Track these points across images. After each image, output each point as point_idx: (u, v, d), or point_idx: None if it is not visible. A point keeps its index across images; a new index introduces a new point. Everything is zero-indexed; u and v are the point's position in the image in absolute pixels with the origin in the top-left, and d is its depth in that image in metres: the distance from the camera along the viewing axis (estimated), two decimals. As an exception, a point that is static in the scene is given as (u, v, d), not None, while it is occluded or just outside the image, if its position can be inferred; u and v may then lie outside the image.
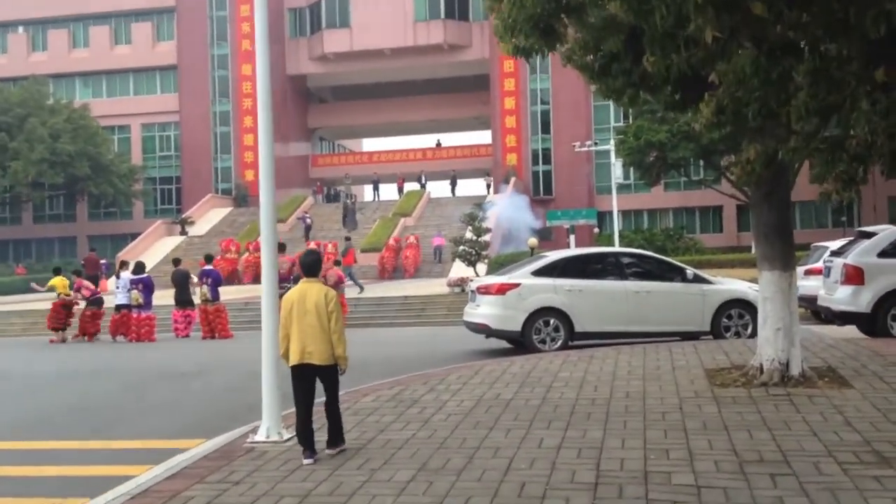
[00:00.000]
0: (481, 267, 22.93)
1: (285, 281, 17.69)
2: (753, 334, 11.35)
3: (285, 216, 42.40)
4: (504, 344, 12.41)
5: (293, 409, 7.39)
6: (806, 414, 6.44)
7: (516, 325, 11.07)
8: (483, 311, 11.33)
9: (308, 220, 39.98)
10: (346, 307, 19.27)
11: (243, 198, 48.24)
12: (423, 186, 47.15)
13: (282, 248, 19.01)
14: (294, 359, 5.74)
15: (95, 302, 17.98)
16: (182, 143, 49.97)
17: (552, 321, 11.10)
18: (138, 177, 47.32)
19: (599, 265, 11.71)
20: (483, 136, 54.99)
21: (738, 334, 11.44)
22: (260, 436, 6.36)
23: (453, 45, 49.68)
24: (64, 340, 17.45)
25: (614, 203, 27.31)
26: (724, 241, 44.20)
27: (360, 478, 5.23)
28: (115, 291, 17.90)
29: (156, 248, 40.16)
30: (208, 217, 44.67)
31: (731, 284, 11.91)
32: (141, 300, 16.93)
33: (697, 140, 37.10)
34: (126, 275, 17.55)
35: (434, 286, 24.04)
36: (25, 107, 41.22)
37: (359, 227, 40.22)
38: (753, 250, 29.64)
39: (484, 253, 22.92)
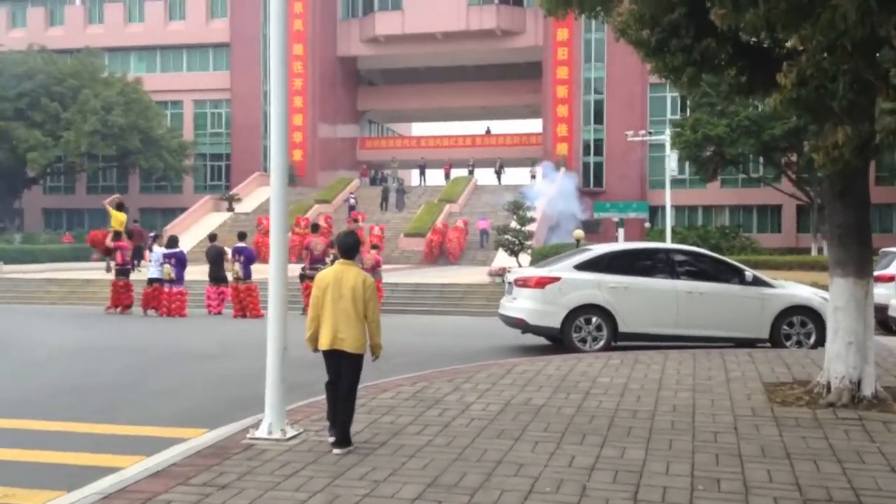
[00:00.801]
0: (524, 257, 22.12)
1: (319, 262, 17.25)
2: (816, 345, 10.42)
3: (330, 197, 42.17)
4: (541, 341, 11.64)
5: (299, 404, 6.81)
6: (882, 443, 5.58)
7: (555, 322, 10.29)
8: (520, 304, 10.57)
9: (352, 201, 39.72)
10: (382, 292, 18.71)
11: (290, 177, 47.98)
12: (471, 173, 46.36)
13: (315, 228, 18.58)
14: (325, 343, 5.46)
15: (123, 272, 17.72)
16: (232, 121, 50.01)
17: (594, 319, 10.30)
18: (189, 152, 47.48)
19: (649, 262, 10.84)
20: (534, 125, 53.96)
21: (799, 344, 10.49)
22: (261, 432, 5.74)
23: (506, 31, 48.67)
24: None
25: (667, 197, 26.20)
26: (781, 241, 42.54)
27: (361, 490, 4.56)
28: (148, 265, 17.66)
29: (203, 223, 40.21)
30: (256, 195, 44.60)
31: (793, 289, 10.94)
32: (173, 275, 16.64)
33: (758, 136, 35.65)
34: (159, 249, 17.25)
35: (475, 274, 23.32)
36: (79, 78, 41.51)
37: (404, 212, 39.77)
38: (814, 252, 28.22)
39: (528, 243, 22.08)
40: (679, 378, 7.90)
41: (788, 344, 10.46)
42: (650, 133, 30.78)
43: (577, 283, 10.37)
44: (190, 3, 51.05)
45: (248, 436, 5.73)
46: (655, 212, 42.88)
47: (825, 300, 10.42)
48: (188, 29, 50.87)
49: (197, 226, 39.25)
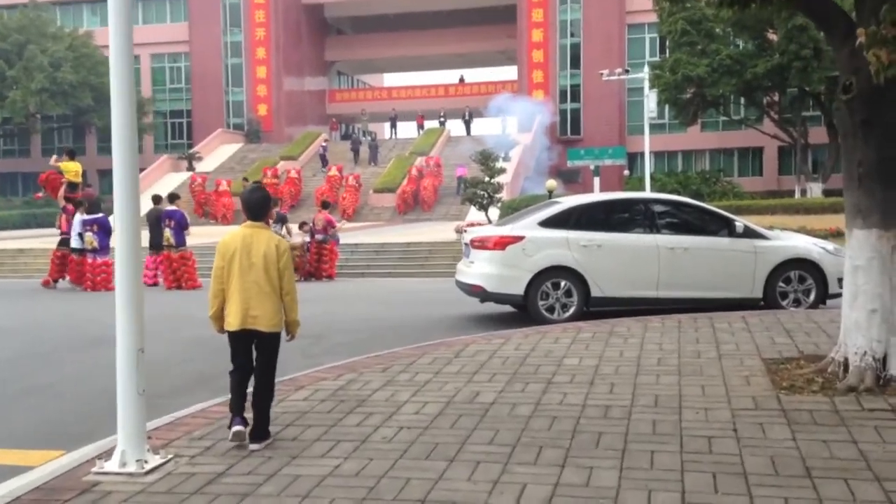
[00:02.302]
0: (494, 212, 20.68)
1: None
2: (817, 303, 9.12)
3: (297, 153, 40.34)
4: (507, 308, 10.28)
5: (167, 420, 5.39)
6: (928, 449, 4.25)
7: (518, 288, 8.89)
8: (478, 269, 9.14)
9: (321, 150, 38.17)
10: (336, 255, 17.28)
11: (255, 133, 46.16)
12: (442, 124, 44.56)
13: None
14: (234, 323, 4.63)
15: (64, 241, 16.11)
16: (192, 75, 47.78)
17: (563, 283, 8.91)
18: (146, 110, 45.30)
19: (625, 214, 9.42)
20: (509, 72, 52.03)
21: (797, 303, 9.17)
22: (112, 464, 4.31)
23: (479, -28, 46.50)
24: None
25: (646, 141, 24.71)
26: (763, 185, 41.40)
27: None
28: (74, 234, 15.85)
29: (161, 184, 38.30)
30: (218, 153, 42.71)
31: (789, 239, 9.57)
32: (96, 244, 14.98)
33: (740, 75, 34.16)
34: (80, 215, 15.54)
35: (444, 230, 21.87)
36: (25, 33, 39.08)
37: (377, 166, 38.10)
38: (797, 194, 26.89)
39: (498, 196, 20.58)
40: (662, 356, 6.54)
41: (785, 303, 9.14)
42: (627, 71, 29.15)
43: (543, 243, 8.94)
44: (143, -49, 48.37)
45: (94, 469, 4.30)
46: (634, 158, 41.50)
47: (825, 251, 9.12)
48: (142, -22, 48.24)
49: (154, 188, 37.32)
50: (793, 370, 5.87)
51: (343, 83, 58.21)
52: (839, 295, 9.37)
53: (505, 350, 6.99)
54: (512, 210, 18.92)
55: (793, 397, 5.22)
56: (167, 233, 15.15)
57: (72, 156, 16.67)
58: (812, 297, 9.14)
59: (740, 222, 9.20)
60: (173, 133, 49.38)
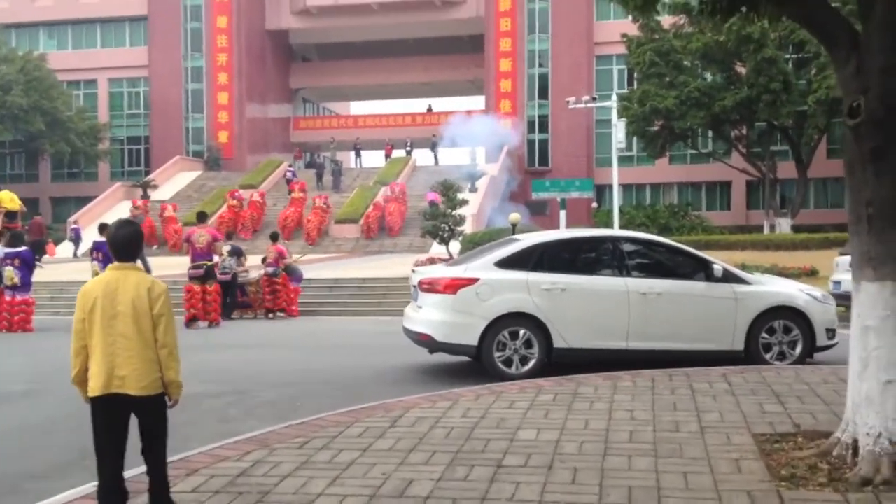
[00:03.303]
0: (455, 245, 19.70)
1: (202, 258, 14.52)
2: (803, 357, 8.20)
3: (257, 181, 39.19)
4: (461, 358, 9.22)
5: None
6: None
7: (471, 338, 7.84)
8: (426, 315, 8.08)
9: (289, 174, 37.33)
10: (297, 290, 16.18)
11: (215, 160, 44.92)
12: (409, 153, 43.71)
13: (201, 217, 15.78)
14: (97, 386, 3.82)
15: None
16: (151, 101, 46.52)
17: (522, 333, 7.87)
18: (103, 135, 43.91)
19: (592, 254, 8.45)
20: (477, 102, 51.46)
21: (782, 356, 8.23)
22: None
23: (446, 1, 46.09)
24: None
25: (615, 172, 23.95)
26: (731, 219, 41.02)
27: None
28: None
29: (114, 212, 36.65)
30: (175, 180, 41.33)
31: (773, 285, 8.63)
32: (17, 279, 13.62)
33: (708, 108, 33.79)
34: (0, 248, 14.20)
35: (405, 264, 20.76)
36: (-28, 55, 37.63)
37: (339, 194, 37.07)
38: (766, 229, 26.33)
39: (459, 229, 19.58)
40: (634, 428, 5.52)
41: (769, 356, 8.19)
42: (594, 98, 28.53)
43: (500, 286, 7.92)
44: (103, -27, 47.19)
45: None
46: (602, 191, 40.94)
47: (812, 298, 8.23)
48: (102, 1, 46.99)
49: (107, 216, 35.75)
50: (791, 451, 4.87)
51: (308, 110, 57.25)
52: (827, 347, 8.53)
53: (451, 417, 5.93)
54: (474, 244, 17.93)
55: (796, 493, 4.21)
56: (95, 265, 13.88)
57: None
58: (798, 349, 8.21)
59: (719, 265, 8.27)
60: (131, 160, 47.89)
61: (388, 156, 45.33)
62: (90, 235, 18.35)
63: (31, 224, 30.28)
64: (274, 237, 16.79)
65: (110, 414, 3.82)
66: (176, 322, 4.19)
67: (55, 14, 46.98)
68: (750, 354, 8.14)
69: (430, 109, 52.26)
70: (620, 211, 29.66)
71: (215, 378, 8.48)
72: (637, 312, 8.02)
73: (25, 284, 13.76)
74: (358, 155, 46.55)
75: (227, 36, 45.71)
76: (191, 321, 14.13)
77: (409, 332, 8.39)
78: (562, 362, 8.07)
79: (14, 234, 14.66)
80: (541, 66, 44.01)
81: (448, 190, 19.66)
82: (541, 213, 36.54)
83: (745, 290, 8.23)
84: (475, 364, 8.47)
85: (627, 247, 8.44)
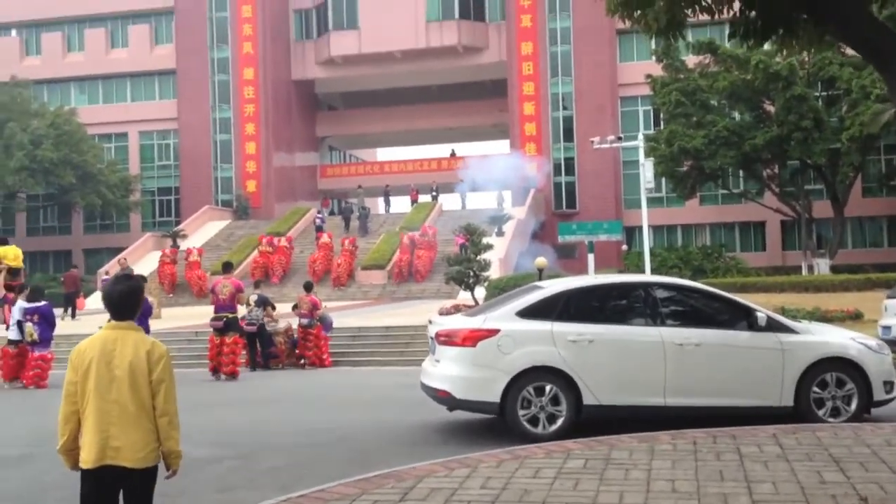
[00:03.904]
0: (480, 291, 19.12)
1: (226, 310, 14.19)
2: (860, 413, 7.47)
3: (284, 229, 38.98)
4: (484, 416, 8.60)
5: None
6: None
7: (493, 395, 7.24)
8: (444, 370, 7.50)
9: (318, 221, 37.55)
10: (323, 340, 15.79)
11: (244, 209, 45.00)
12: (435, 198, 43.48)
13: (227, 267, 15.48)
14: (89, 458, 3.56)
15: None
16: (181, 152, 46.90)
17: (549, 388, 7.26)
18: (133, 187, 44.25)
19: (621, 302, 7.85)
20: (503, 146, 51.30)
21: (836, 412, 7.49)
22: None
23: (468, 48, 46.20)
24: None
25: (644, 213, 23.25)
26: (767, 260, 39.95)
27: None
28: (13, 324, 14.06)
29: (144, 262, 36.86)
30: (205, 230, 41.38)
31: (822, 334, 7.90)
32: (36, 336, 13.27)
33: (738, 147, 33.12)
34: (21, 302, 13.91)
35: (428, 311, 20.22)
36: (5, 111, 38.25)
37: (367, 238, 37.01)
38: (804, 270, 25.48)
39: (484, 274, 19.00)
40: (676, 502, 4.86)
41: (822, 413, 7.46)
42: (620, 139, 27.97)
43: (523, 337, 7.33)
44: (133, 30, 48.17)
45: None
46: (632, 233, 40.23)
47: (867, 348, 7.53)
48: (131, 56, 47.90)
49: (137, 266, 35.82)
50: (861, 532, 4.20)
51: (335, 158, 57.49)
52: (886, 402, 7.79)
53: (468, 489, 5.31)
54: (499, 290, 17.35)
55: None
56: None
57: (3, 242, 15.24)
58: (854, 405, 7.47)
59: (762, 313, 7.60)
60: (161, 211, 48.20)
61: (414, 201, 45.13)
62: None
63: (66, 277, 30.41)
64: (308, 287, 16.43)
65: (102, 486, 3.56)
66: (177, 386, 3.79)
67: (86, 70, 47.86)
68: (800, 411, 7.42)
69: (453, 154, 52.17)
70: (652, 253, 28.93)
71: (221, 439, 7.95)
72: (674, 365, 7.37)
73: (44, 340, 13.44)
74: (387, 201, 46.31)
75: (253, 87, 46.16)
76: (214, 372, 14.00)
77: (426, 389, 7.81)
78: (593, 420, 7.43)
79: (34, 288, 14.48)
80: (565, 108, 43.76)
81: (472, 234, 19.14)
82: (569, 257, 35.84)
83: (793, 339, 7.54)
84: (499, 421, 7.85)
85: (660, 293, 7.81)
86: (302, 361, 15.83)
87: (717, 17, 5.20)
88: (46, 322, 13.47)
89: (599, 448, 6.30)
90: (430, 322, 8.17)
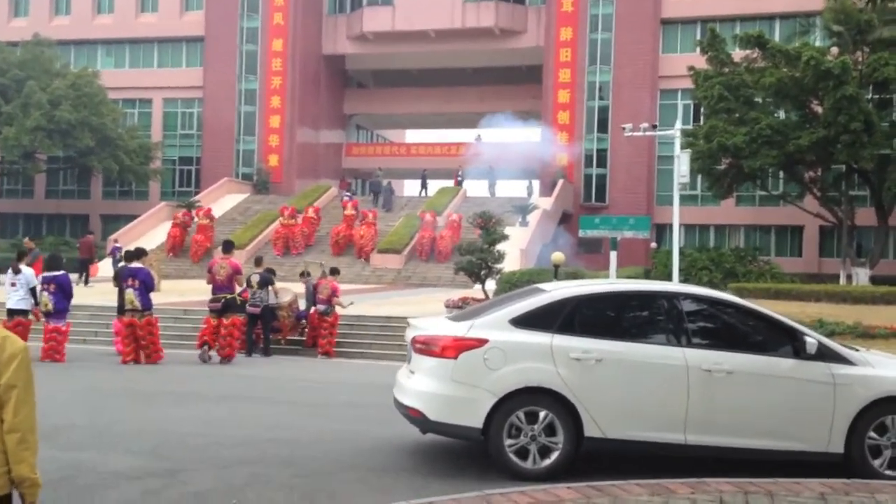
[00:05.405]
0: (491, 285, 17.81)
1: (222, 291, 13.30)
2: (929, 469, 6.03)
3: (303, 206, 37.84)
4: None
5: None
6: None
7: (474, 419, 5.92)
8: (418, 384, 6.20)
9: (346, 196, 37.23)
10: (336, 330, 14.86)
11: (264, 184, 44.03)
12: (460, 183, 42.11)
13: (227, 247, 14.52)
14: None
15: None
16: (204, 122, 46.01)
17: (542, 414, 5.93)
18: (154, 155, 43.41)
19: (639, 314, 6.49)
20: (533, 133, 49.75)
21: (895, 464, 6.10)
22: None
23: (505, 30, 44.68)
24: None
25: (675, 211, 21.69)
26: (803, 266, 38.08)
27: None
28: (8, 291, 13.18)
29: (155, 233, 36.07)
30: (222, 203, 40.43)
31: (884, 366, 6.38)
32: (51, 306, 12.59)
33: (781, 147, 31.29)
34: (28, 269, 12.99)
35: (439, 301, 18.91)
36: (26, 69, 37.47)
37: (391, 212, 36.75)
38: (842, 279, 23.84)
39: (497, 266, 17.65)
40: None
41: (879, 464, 6.05)
42: (654, 127, 26.26)
43: (515, 350, 6.01)
44: (163, -7, 47.24)
45: None
46: (663, 230, 38.63)
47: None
48: (160, 21, 46.94)
49: (148, 236, 35.05)
50: None
51: (362, 137, 56.28)
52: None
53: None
54: (511, 285, 15.98)
55: None
56: (130, 294, 12.69)
57: None
58: (921, 457, 6.08)
59: (812, 337, 6.18)
60: (181, 180, 47.40)
61: (458, 184, 43.53)
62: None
63: (81, 243, 29.76)
64: (334, 271, 15.41)
65: None
66: (35, 393, 2.88)
67: (114, 32, 47.03)
68: (852, 460, 6.03)
69: (478, 139, 50.69)
70: (681, 253, 27.36)
71: (158, 446, 6.76)
72: (699, 395, 6.02)
73: (60, 311, 12.74)
74: (424, 185, 44.83)
75: (281, 59, 45.06)
76: (201, 348, 13.33)
77: (398, 405, 6.52)
78: (594, 451, 6.12)
79: (52, 256, 13.81)
80: (601, 98, 42.15)
81: (486, 222, 17.79)
82: (594, 252, 34.32)
83: (848, 372, 6.13)
84: (480, 448, 6.56)
85: (688, 306, 6.43)
86: (315, 348, 14.91)
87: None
88: (63, 292, 12.75)
89: (600, 501, 4.98)
90: (409, 325, 6.87)
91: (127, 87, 45.69)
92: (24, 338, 12.65)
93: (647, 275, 29.35)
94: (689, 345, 6.17)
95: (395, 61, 48.63)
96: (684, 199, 29.24)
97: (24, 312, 12.78)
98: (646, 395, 6.04)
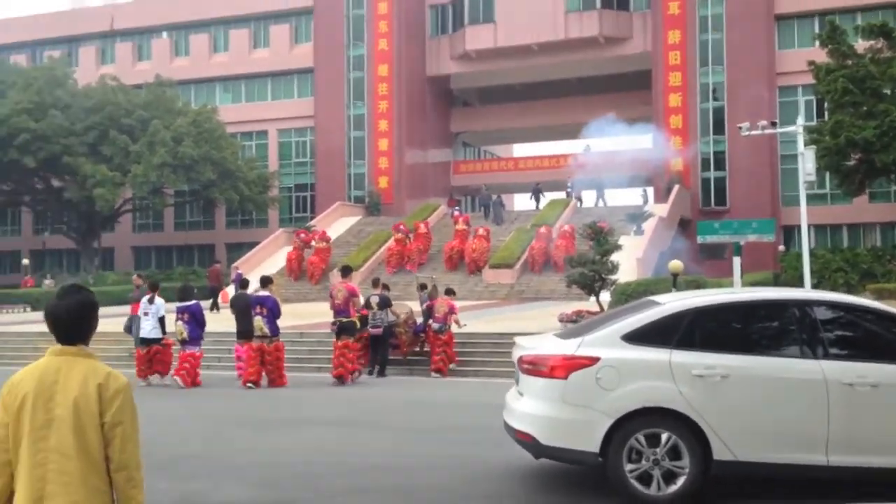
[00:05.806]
0: (606, 296, 17.20)
1: (341, 314, 13.49)
2: None
3: (410, 225, 38.19)
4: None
5: None
6: None
7: (590, 443, 5.55)
8: (527, 407, 5.89)
9: (456, 211, 37.82)
10: (452, 351, 14.82)
11: (375, 206, 44.78)
12: (569, 195, 41.42)
13: (346, 272, 14.81)
14: None
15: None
16: (317, 149, 47.39)
17: (665, 437, 5.50)
18: (272, 183, 45.05)
19: (768, 325, 5.94)
20: (645, 140, 48.43)
21: None
22: None
23: (610, 38, 43.76)
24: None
25: (803, 212, 20.30)
26: (947, 266, 35.09)
27: None
28: (142, 321, 13.80)
29: (274, 258, 37.23)
30: (336, 226, 41.37)
31: None
32: (186, 334, 13.25)
33: (917, 138, 29.05)
34: (159, 301, 13.68)
35: (554, 315, 18.42)
36: (151, 109, 39.76)
37: (502, 226, 36.75)
38: None
39: (612, 278, 17.02)
40: None
41: None
42: (774, 124, 24.79)
43: (630, 369, 5.60)
44: (274, 30, 49.11)
45: None
46: (791, 232, 36.63)
47: None
48: (272, 56, 48.87)
49: (267, 262, 36.26)
50: None
51: (468, 154, 56.46)
52: None
53: None
54: (627, 297, 15.33)
55: None
56: (259, 321, 13.18)
57: None
58: None
59: (975, 344, 5.50)
60: (297, 207, 49.00)
61: (578, 198, 42.97)
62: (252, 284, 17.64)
63: (209, 272, 31.18)
64: (449, 292, 15.44)
65: None
66: (139, 431, 2.86)
67: (230, 70, 49.27)
68: None
69: (587, 149, 49.73)
70: (812, 254, 25.72)
71: (266, 476, 6.72)
72: (841, 411, 5.42)
73: (194, 339, 13.42)
74: (537, 198, 44.40)
75: (387, 84, 45.84)
76: (338, 378, 13.51)
77: (508, 429, 6.21)
78: (725, 475, 5.61)
79: (184, 287, 14.63)
80: (716, 99, 40.56)
81: (598, 233, 17.21)
82: (717, 258, 32.79)
83: None
84: (602, 472, 6.15)
85: (823, 314, 5.83)
86: (434, 373, 14.76)
87: None
88: (196, 321, 13.41)
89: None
90: (516, 344, 6.56)
91: (244, 120, 47.73)
92: (168, 361, 13.55)
93: (776, 280, 27.81)
94: (827, 356, 5.58)
95: (499, 77, 48.55)
96: (812, 199, 27.57)
97: (157, 341, 13.46)
98: (781, 413, 5.49)
